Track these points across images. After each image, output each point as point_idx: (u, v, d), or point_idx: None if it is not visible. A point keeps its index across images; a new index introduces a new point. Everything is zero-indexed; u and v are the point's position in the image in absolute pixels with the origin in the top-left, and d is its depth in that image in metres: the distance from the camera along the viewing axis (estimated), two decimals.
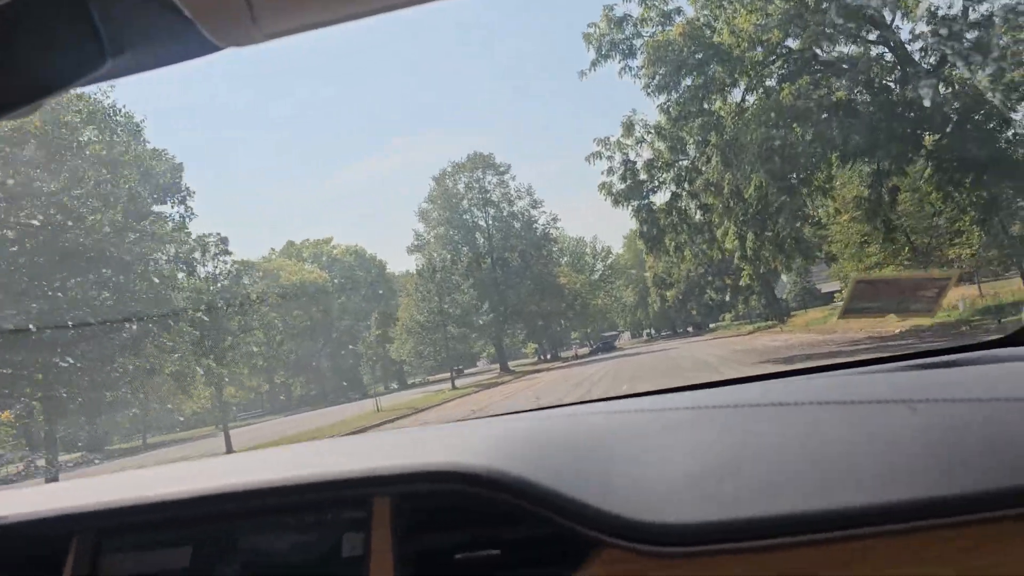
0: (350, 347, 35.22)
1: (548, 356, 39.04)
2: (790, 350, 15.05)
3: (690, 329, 41.69)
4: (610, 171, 17.17)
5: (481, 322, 32.26)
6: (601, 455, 0.99)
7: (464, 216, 36.21)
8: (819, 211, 19.33)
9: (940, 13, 12.92)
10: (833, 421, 0.94)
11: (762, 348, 18.09)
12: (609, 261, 46.07)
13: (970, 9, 12.50)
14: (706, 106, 15.05)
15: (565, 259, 41.23)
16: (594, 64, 15.57)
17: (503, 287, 34.12)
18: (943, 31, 12.91)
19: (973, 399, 0.91)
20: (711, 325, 39.64)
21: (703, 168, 15.96)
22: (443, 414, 16.43)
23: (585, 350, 40.72)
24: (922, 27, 13.01)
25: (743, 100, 14.66)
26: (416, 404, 20.25)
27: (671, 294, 35.92)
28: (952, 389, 0.97)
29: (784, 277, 26.98)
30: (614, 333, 45.85)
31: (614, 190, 17.15)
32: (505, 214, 36.52)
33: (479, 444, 1.11)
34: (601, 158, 17.23)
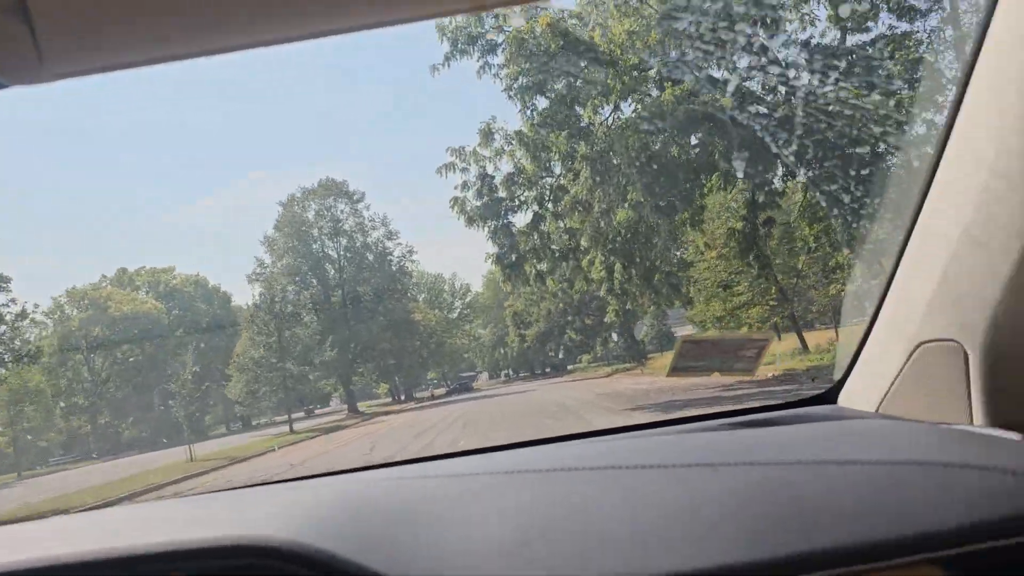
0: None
1: (402, 397, 36.64)
2: (660, 394, 14.03)
3: (548, 370, 40.23)
4: (465, 186, 14.53)
5: (326, 359, 29.29)
6: (414, 523, 0.94)
7: (313, 246, 33.16)
8: (688, 246, 17.55)
9: (815, 40, 12.06)
10: (641, 485, 0.94)
11: (627, 391, 16.96)
12: (468, 299, 43.43)
13: (847, 35, 11.73)
14: (577, 110, 12.75)
15: (422, 296, 38.48)
16: (448, 59, 13.02)
17: (353, 323, 31.32)
18: (817, 55, 11.88)
19: (773, 462, 0.93)
20: (569, 367, 38.33)
21: (570, 185, 13.62)
22: (261, 466, 14.63)
23: (442, 390, 38.69)
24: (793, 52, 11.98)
25: (617, 107, 12.43)
26: (236, 453, 18.12)
27: (531, 333, 33.92)
28: (757, 451, 1.00)
29: (644, 318, 25.93)
30: (472, 374, 43.44)
31: (468, 207, 14.48)
32: (358, 245, 33.72)
33: (281, 512, 1.04)
34: (455, 170, 14.53)
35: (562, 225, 14.37)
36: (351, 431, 20.57)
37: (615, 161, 12.45)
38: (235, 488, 1.49)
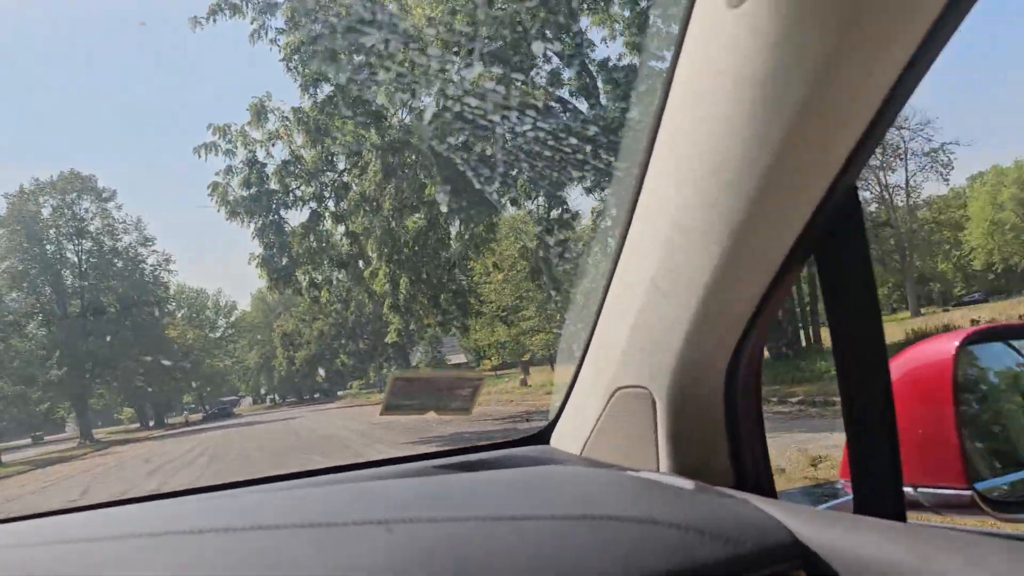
0: None
1: (152, 423, 32.47)
2: (444, 425, 12.81)
3: (317, 396, 38.82)
4: (230, 171, 11.72)
5: (51, 378, 25.04)
6: None
7: (48, 247, 28.18)
8: (473, 267, 16.29)
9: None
10: (288, 549, 0.80)
11: (408, 421, 15.92)
12: (233, 318, 39.55)
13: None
14: (371, 93, 10.61)
15: (182, 311, 34.43)
16: (213, 15, 10.48)
17: (92, 337, 26.85)
18: None
19: (451, 518, 0.85)
20: (339, 392, 37.06)
21: (355, 181, 11.53)
22: None
23: (199, 416, 35.24)
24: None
25: (414, 94, 10.33)
26: None
27: (300, 356, 31.20)
28: (444, 503, 0.91)
29: (420, 344, 24.70)
30: (233, 398, 40.62)
31: (231, 197, 11.71)
32: (105, 249, 29.16)
33: None
34: (217, 152, 11.67)
35: (344, 228, 12.16)
36: (73, 464, 17.36)
37: (411, 156, 10.62)
38: None
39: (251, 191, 11.90)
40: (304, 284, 12.61)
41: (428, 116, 10.31)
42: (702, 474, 1.08)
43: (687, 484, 1.00)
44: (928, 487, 1.05)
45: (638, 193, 1.09)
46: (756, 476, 1.13)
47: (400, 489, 1.03)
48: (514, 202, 11.51)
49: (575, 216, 12.74)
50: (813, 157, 0.87)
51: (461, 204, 10.84)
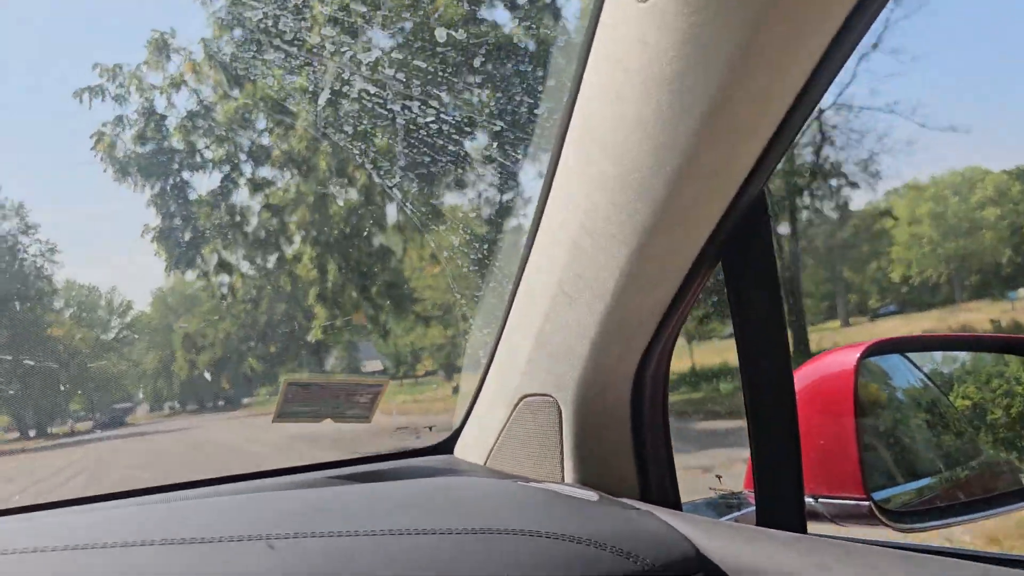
0: None
1: (32, 432, 29.83)
2: (377, 436, 12.14)
3: (221, 403, 36.79)
4: (120, 122, 10.34)
5: None
6: None
7: None
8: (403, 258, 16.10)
9: None
10: (166, 567, 0.77)
11: (333, 431, 14.62)
12: (129, 318, 37.86)
13: None
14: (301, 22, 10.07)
15: (71, 311, 32.70)
16: None
17: None
18: None
19: (338, 533, 0.84)
20: (244, 400, 35.28)
21: (278, 141, 10.67)
22: None
23: (88, 424, 32.69)
24: None
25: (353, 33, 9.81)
26: None
27: (203, 360, 30.06)
28: (335, 516, 0.90)
29: (336, 347, 24.27)
30: (128, 405, 38.38)
31: (121, 153, 10.39)
32: None
33: None
34: (104, 97, 10.29)
35: (263, 198, 11.36)
36: None
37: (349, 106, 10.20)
38: None
39: (147, 148, 10.38)
40: (212, 266, 11.71)
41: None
42: (607, 485, 1.10)
43: (591, 495, 1.03)
44: (828, 497, 1.10)
45: (547, 193, 1.10)
46: (661, 487, 1.15)
47: (288, 501, 1.02)
48: (460, 184, 11.21)
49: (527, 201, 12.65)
50: (721, 161, 0.89)
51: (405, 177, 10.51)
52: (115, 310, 38.79)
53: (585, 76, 0.96)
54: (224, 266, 11.50)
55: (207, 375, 29.32)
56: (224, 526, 0.87)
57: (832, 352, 1.22)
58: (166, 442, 18.13)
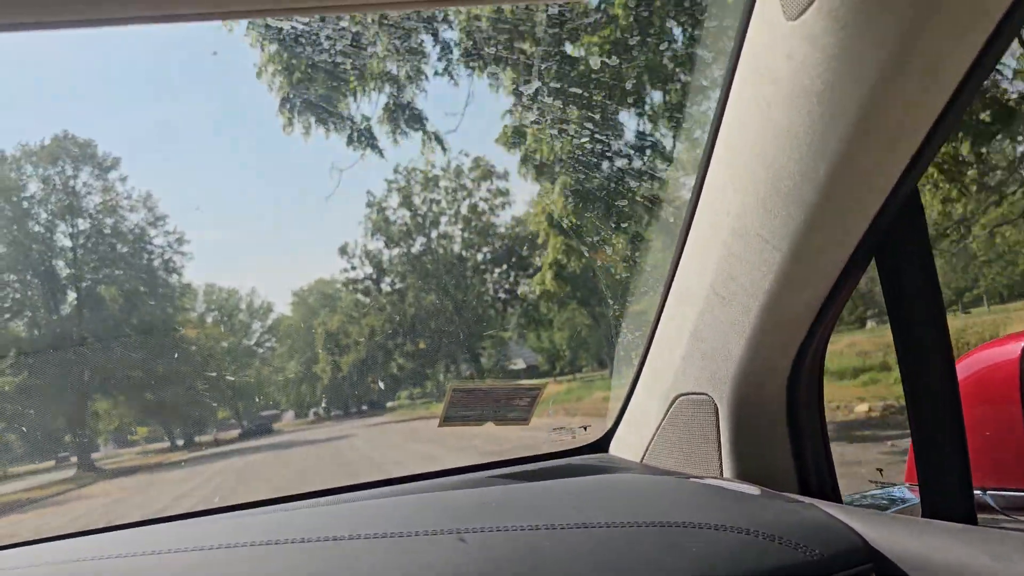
0: None
1: (182, 442, 32.12)
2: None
3: (365, 408, 37.81)
4: None
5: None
6: None
7: (33, 227, 28.29)
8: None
9: None
10: (366, 561, 0.99)
11: (510, 435, 15.19)
12: (270, 321, 39.83)
13: None
14: None
15: (212, 315, 34.82)
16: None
17: (90, 339, 26.71)
18: None
19: (521, 527, 1.04)
20: (388, 404, 36.34)
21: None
22: None
23: (235, 433, 34.92)
24: None
25: None
26: None
27: (347, 360, 31.18)
28: (512, 512, 1.11)
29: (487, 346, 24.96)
30: (274, 412, 40.43)
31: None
32: (105, 231, 29.19)
33: None
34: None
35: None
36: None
37: None
38: None
39: None
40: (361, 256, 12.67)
41: None
42: (766, 480, 1.26)
43: (752, 490, 1.18)
44: (998, 489, 1.22)
45: (696, 201, 1.28)
46: (821, 481, 1.31)
47: (467, 499, 1.21)
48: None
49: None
50: (873, 164, 1.01)
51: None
52: (256, 313, 39.44)
53: (733, 87, 1.13)
54: (370, 258, 12.76)
55: (352, 377, 30.42)
56: (418, 521, 1.07)
57: (993, 343, 1.33)
58: (315, 455, 19.22)
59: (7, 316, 25.42)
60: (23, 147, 27.63)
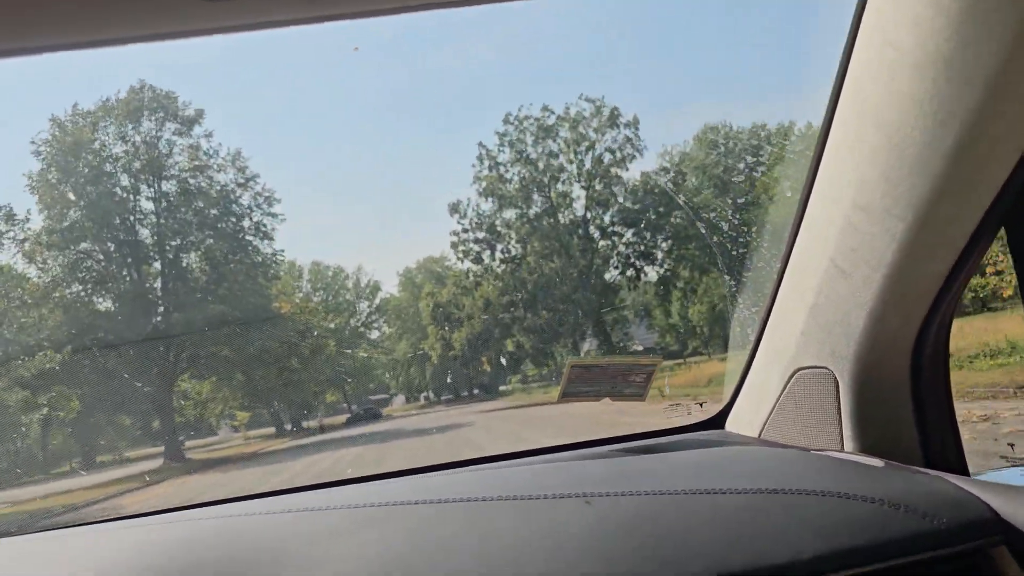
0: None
1: (292, 427, 33.63)
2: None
3: (476, 392, 39.31)
4: None
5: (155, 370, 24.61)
6: (266, 564, 1.19)
7: (112, 188, 26.52)
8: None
9: None
10: (506, 519, 1.21)
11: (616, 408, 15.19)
12: (377, 301, 40.18)
13: None
14: None
15: (319, 295, 36.32)
16: None
17: (176, 314, 26.08)
18: None
19: (647, 492, 1.22)
20: (501, 387, 37.45)
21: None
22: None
23: (341, 419, 36.81)
24: None
25: None
26: None
27: (459, 336, 30.54)
28: (636, 480, 1.29)
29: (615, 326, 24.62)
30: (383, 396, 42.63)
31: None
32: (193, 188, 27.58)
33: (112, 555, 1.32)
34: None
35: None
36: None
37: None
38: (79, 526, 1.76)
39: None
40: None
41: None
42: (889, 453, 1.37)
43: (876, 462, 1.28)
44: None
45: (815, 172, 1.41)
46: (947, 455, 1.43)
47: (593, 468, 1.40)
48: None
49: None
50: (1003, 130, 1.09)
51: None
52: (362, 292, 38.74)
53: (854, 56, 1.24)
54: (481, 220, 13.22)
55: (466, 355, 29.88)
56: (549, 486, 1.27)
57: None
58: (428, 446, 19.39)
59: (91, 289, 25.63)
60: (102, 99, 25.64)
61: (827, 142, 1.37)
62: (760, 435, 1.78)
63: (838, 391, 1.48)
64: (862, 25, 1.21)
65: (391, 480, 1.79)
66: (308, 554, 1.18)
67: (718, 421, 1.99)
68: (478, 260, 14.62)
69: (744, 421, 1.88)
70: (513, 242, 17.54)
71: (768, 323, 1.71)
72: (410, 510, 1.28)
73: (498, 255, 18.97)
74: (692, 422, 2.04)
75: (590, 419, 16.49)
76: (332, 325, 34.75)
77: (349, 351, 36.84)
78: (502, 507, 1.24)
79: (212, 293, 27.35)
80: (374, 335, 41.02)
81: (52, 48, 0.90)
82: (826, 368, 1.50)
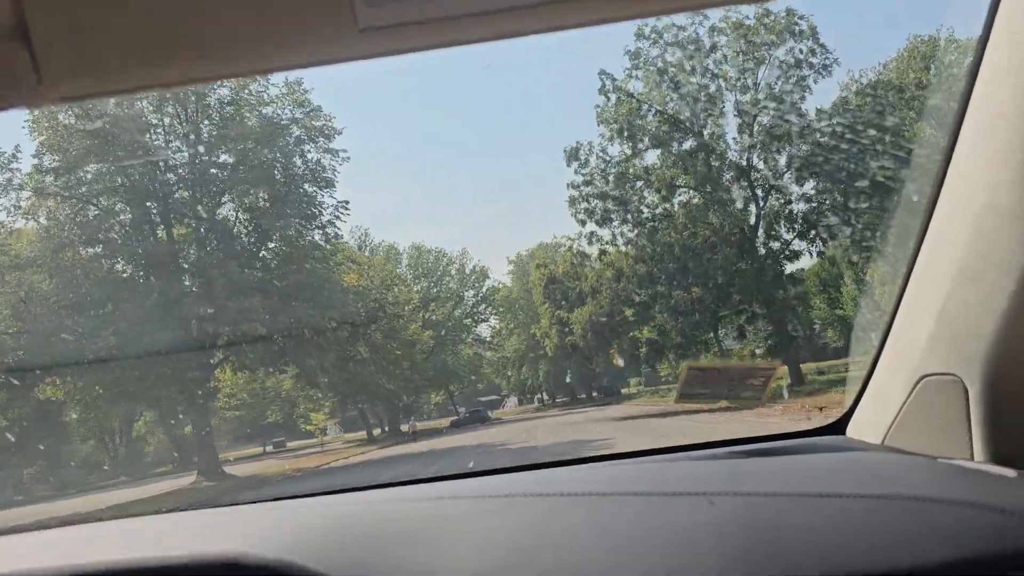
0: None
1: (387, 429, 33.91)
2: None
3: (595, 395, 38.31)
4: None
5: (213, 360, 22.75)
6: (403, 546, 1.27)
7: (142, 132, 23.30)
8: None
9: None
10: (630, 513, 1.24)
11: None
12: (484, 289, 36.00)
13: None
14: None
15: (420, 283, 33.78)
16: None
17: (243, 297, 22.32)
18: None
19: (769, 493, 1.23)
20: (623, 390, 36.74)
21: None
22: None
23: (444, 423, 35.64)
24: None
25: None
26: None
27: (579, 317, 24.61)
28: (757, 482, 1.32)
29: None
30: (493, 398, 41.44)
31: None
32: (247, 127, 23.77)
33: (273, 530, 1.42)
34: None
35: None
36: None
37: None
38: (228, 505, 1.93)
39: None
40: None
41: None
42: (1022, 465, 1.32)
43: (1008, 472, 1.28)
44: None
45: (943, 176, 1.45)
46: None
47: (714, 469, 1.48)
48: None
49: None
50: None
51: None
52: (466, 278, 35.35)
53: (985, 56, 1.28)
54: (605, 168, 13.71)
55: (589, 343, 25.43)
56: (673, 484, 1.33)
57: None
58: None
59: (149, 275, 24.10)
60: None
61: (956, 143, 1.37)
62: (883, 441, 1.78)
63: (967, 399, 1.45)
64: (994, 26, 1.22)
65: (516, 473, 1.86)
66: (438, 538, 1.26)
67: (839, 427, 2.03)
68: (605, 220, 11.17)
69: (866, 428, 1.91)
70: (654, 196, 15.84)
71: (892, 328, 1.72)
72: (535, 501, 1.35)
73: (630, 214, 16.33)
74: (813, 427, 2.09)
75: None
76: (435, 317, 33.59)
77: (446, 345, 34.86)
78: (625, 502, 1.29)
79: (272, 272, 25.19)
80: (478, 328, 38.46)
81: (207, 79, 0.89)
82: (955, 375, 1.48)
